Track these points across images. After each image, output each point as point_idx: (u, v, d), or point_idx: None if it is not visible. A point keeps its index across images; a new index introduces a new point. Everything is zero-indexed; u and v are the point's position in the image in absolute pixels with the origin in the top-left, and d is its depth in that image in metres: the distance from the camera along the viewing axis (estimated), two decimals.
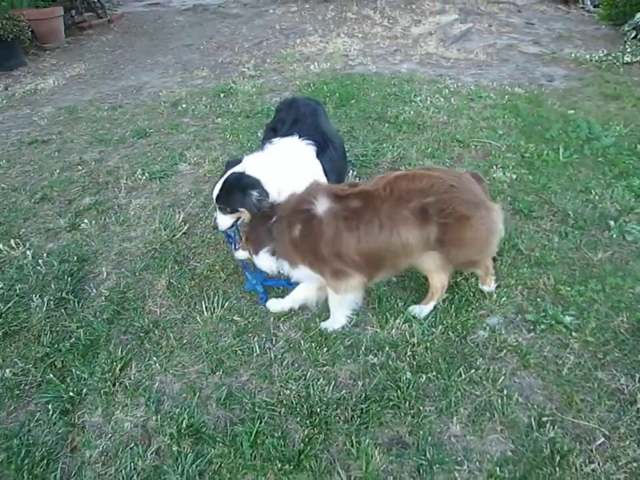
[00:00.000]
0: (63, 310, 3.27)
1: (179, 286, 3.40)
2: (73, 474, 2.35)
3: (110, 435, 2.49)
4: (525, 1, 12.36)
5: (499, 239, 2.94)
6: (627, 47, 8.04)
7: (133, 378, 2.77)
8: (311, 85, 6.84)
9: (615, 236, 3.80)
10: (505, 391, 2.61)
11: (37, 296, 3.35)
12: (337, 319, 3.01)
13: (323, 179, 3.22)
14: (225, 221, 3.15)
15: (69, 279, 3.51)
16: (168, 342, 2.98)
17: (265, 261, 2.94)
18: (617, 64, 7.73)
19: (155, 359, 2.86)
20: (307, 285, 3.04)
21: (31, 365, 2.89)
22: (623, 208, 4.12)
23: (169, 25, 11.21)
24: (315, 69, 7.58)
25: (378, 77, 7.21)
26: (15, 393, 2.75)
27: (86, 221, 4.13)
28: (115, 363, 2.83)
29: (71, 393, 2.68)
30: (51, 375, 2.80)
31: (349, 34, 9.30)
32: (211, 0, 13.36)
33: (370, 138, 5.38)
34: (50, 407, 2.62)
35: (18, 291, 3.46)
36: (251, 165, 3.06)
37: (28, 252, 3.81)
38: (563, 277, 3.41)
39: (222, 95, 6.60)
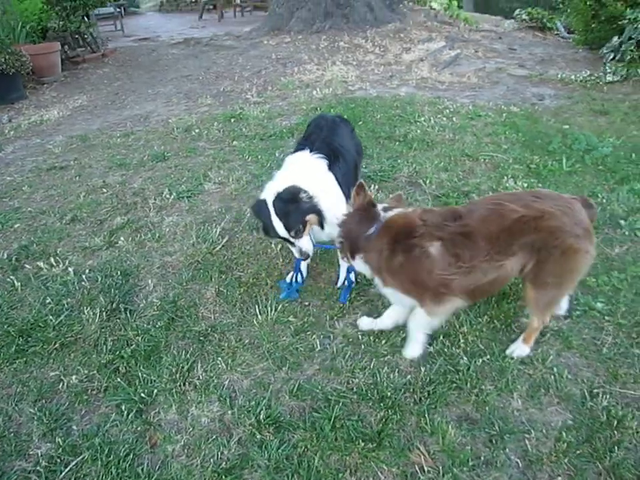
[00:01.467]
0: (117, 320, 3.37)
1: (228, 293, 3.52)
2: (157, 467, 2.44)
3: (189, 430, 2.59)
4: (504, 29, 12.97)
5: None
6: (607, 67, 8.51)
7: (201, 377, 2.87)
8: (318, 109, 7.09)
9: (627, 233, 4.04)
10: (555, 369, 2.82)
11: (88, 308, 3.44)
12: (418, 343, 2.92)
13: (335, 190, 3.34)
14: (306, 242, 3.09)
15: (117, 291, 3.61)
16: (229, 344, 3.10)
17: (361, 266, 2.87)
18: (601, 83, 8.18)
19: (219, 359, 2.98)
20: (398, 308, 3.02)
21: (95, 371, 2.98)
22: (630, 209, 4.38)
23: (164, 58, 11.48)
24: (318, 94, 7.85)
25: (380, 100, 7.51)
26: (84, 398, 2.84)
27: (122, 238, 4.24)
28: (180, 365, 2.94)
29: (142, 394, 2.77)
30: (118, 379, 2.89)
31: (344, 62, 9.65)
32: (201, 34, 13.73)
33: (384, 155, 5.61)
34: (123, 408, 2.71)
35: (66, 305, 3.55)
36: (275, 184, 3.10)
37: (69, 269, 3.90)
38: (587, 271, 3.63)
39: (232, 120, 6.81)
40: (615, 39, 8.84)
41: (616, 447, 2.37)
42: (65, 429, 2.68)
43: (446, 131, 6.29)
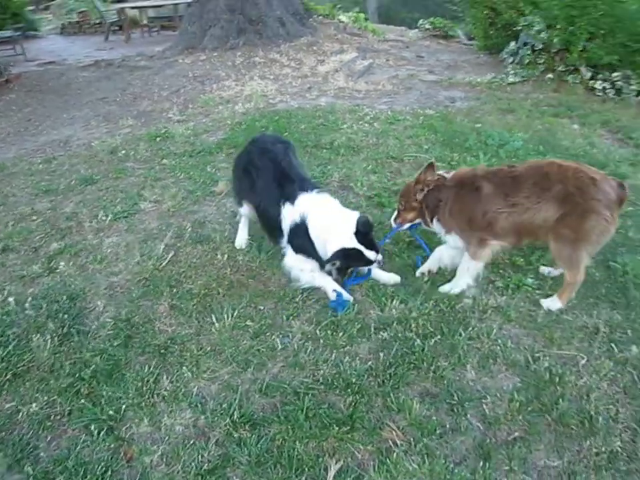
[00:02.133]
0: (70, 344, 3.31)
1: (182, 306, 3.56)
2: (138, 479, 2.46)
3: (165, 439, 2.62)
4: (409, 38, 13.65)
5: (599, 246, 3.29)
6: (508, 70, 9.23)
7: (168, 388, 2.90)
8: (242, 123, 7.21)
9: None
10: (499, 341, 3.12)
11: (37, 335, 3.35)
12: (461, 284, 3.55)
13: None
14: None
15: (65, 316, 3.54)
16: (191, 353, 3.14)
17: (437, 228, 3.61)
18: (504, 84, 8.88)
19: (184, 368, 3.02)
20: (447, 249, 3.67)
21: (55, 396, 2.93)
22: None
23: (75, 81, 11.16)
24: (240, 109, 7.97)
25: (302, 111, 7.73)
26: (47, 424, 2.78)
27: (62, 263, 4.15)
28: (145, 379, 2.95)
29: (110, 412, 2.76)
30: (82, 401, 2.86)
31: (261, 76, 9.82)
32: (110, 55, 13.47)
33: (313, 162, 5.81)
34: (92, 428, 2.69)
35: (12, 335, 3.43)
36: (341, 230, 3.44)
37: (9, 299, 3.76)
38: (515, 251, 3.99)
39: (158, 139, 6.78)
40: (513, 44, 9.60)
41: (560, 400, 2.68)
42: (32, 457, 2.61)
43: (369, 136, 6.60)
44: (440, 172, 3.65)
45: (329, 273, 3.50)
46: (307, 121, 7.18)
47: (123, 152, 6.45)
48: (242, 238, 4.25)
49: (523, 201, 3.23)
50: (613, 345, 3.08)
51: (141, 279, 3.89)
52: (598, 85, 8.29)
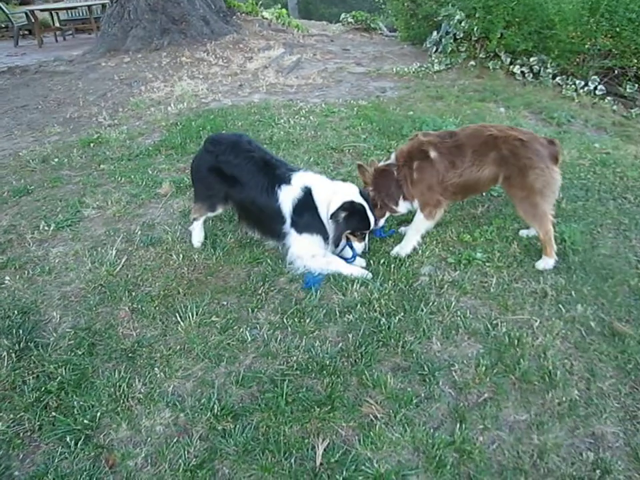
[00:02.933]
0: (30, 358, 3.20)
1: (143, 309, 3.52)
2: None
3: (147, 440, 2.61)
4: (332, 32, 13.83)
5: (553, 196, 3.66)
6: (433, 58, 9.57)
7: (142, 391, 2.87)
8: (178, 123, 7.10)
9: (483, 194, 4.70)
10: (459, 312, 3.31)
11: None
12: (411, 243, 3.90)
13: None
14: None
15: (20, 331, 3.41)
16: (160, 354, 3.12)
17: (404, 206, 3.94)
18: (431, 72, 9.21)
19: (155, 369, 3.00)
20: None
21: (22, 413, 2.83)
22: None
23: None
24: (173, 110, 7.84)
25: (236, 108, 7.71)
26: (17, 442, 2.68)
27: (7, 278, 3.98)
28: (117, 384, 2.90)
29: (85, 421, 2.71)
30: (53, 414, 2.79)
31: (190, 76, 9.67)
32: (24, 61, 12.83)
33: None
34: (67, 439, 2.63)
35: None
36: (343, 191, 3.66)
37: None
38: (461, 229, 4.23)
39: (92, 145, 6.57)
40: (435, 33, 9.95)
41: (521, 360, 2.90)
42: (5, 477, 2.53)
43: (307, 129, 6.68)
44: (380, 163, 4.02)
45: (337, 235, 3.59)
46: (243, 118, 7.18)
47: (56, 160, 6.20)
48: (200, 237, 4.20)
49: (468, 167, 3.68)
50: (560, 306, 3.35)
51: (96, 286, 3.80)
52: (517, 69, 8.77)
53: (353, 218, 3.54)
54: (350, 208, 3.50)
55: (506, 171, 3.63)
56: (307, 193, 3.61)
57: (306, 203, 3.60)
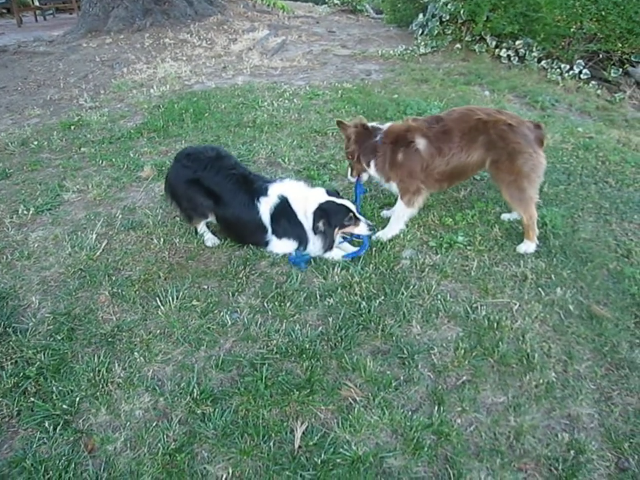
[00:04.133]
0: (8, 344, 3.16)
1: (123, 293, 3.49)
2: (103, 469, 2.43)
3: (126, 425, 2.60)
4: (319, 14, 13.67)
5: (539, 180, 3.66)
6: (419, 41, 9.51)
7: (122, 375, 2.86)
8: (160, 106, 7.01)
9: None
10: (439, 296, 3.33)
11: None
12: (393, 230, 3.93)
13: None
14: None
15: None
16: (140, 338, 3.11)
17: (374, 171, 3.90)
18: (416, 55, 9.16)
19: (135, 354, 2.99)
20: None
21: (0, 399, 2.81)
22: None
23: None
24: (156, 92, 7.73)
25: (220, 91, 7.62)
26: None
27: None
28: (96, 368, 2.89)
29: (64, 406, 2.70)
30: (32, 399, 2.77)
31: (173, 58, 9.54)
32: (3, 41, 12.55)
33: (238, 142, 5.79)
34: (46, 424, 2.62)
35: None
36: (319, 194, 3.71)
37: None
38: (443, 212, 4.25)
39: (73, 128, 6.47)
40: (421, 16, 9.88)
41: (500, 343, 2.92)
42: None
43: (291, 112, 6.63)
44: (373, 123, 3.99)
45: (328, 240, 3.63)
46: (226, 101, 7.10)
47: (36, 143, 6.10)
48: (211, 237, 4.08)
49: (456, 153, 3.66)
50: (540, 290, 3.37)
51: (76, 271, 3.76)
52: (503, 53, 8.75)
53: (330, 217, 3.58)
54: (323, 212, 3.57)
55: (494, 155, 3.62)
56: (283, 201, 3.70)
57: (282, 210, 3.70)
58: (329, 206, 3.58)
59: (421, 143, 3.69)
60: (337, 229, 3.61)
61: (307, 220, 3.66)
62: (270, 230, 3.76)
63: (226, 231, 4.01)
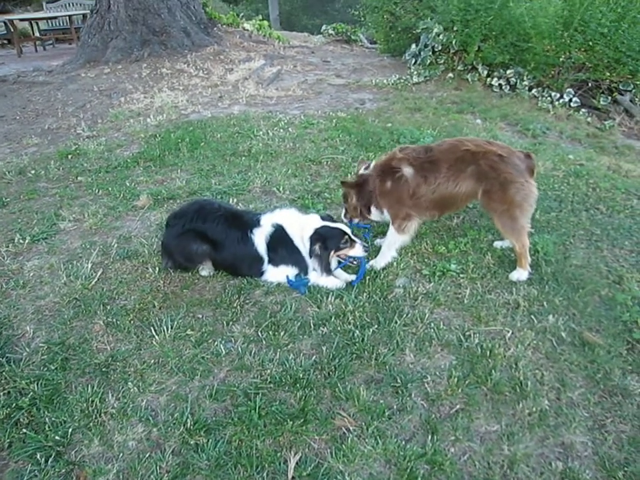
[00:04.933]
0: (1, 374, 3.15)
1: (118, 323, 3.50)
2: None
3: (119, 456, 2.59)
4: (314, 44, 13.93)
5: (530, 209, 3.73)
6: (412, 70, 9.69)
7: (115, 406, 2.86)
8: (157, 135, 7.10)
9: None
10: (432, 324, 3.35)
11: None
12: (385, 258, 3.97)
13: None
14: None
15: None
16: (134, 368, 3.11)
17: (376, 214, 4.05)
18: (409, 84, 9.32)
19: (129, 384, 2.98)
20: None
21: None
22: None
23: None
24: (152, 121, 7.83)
25: (216, 120, 7.72)
26: None
27: None
28: (90, 399, 2.88)
29: (56, 437, 2.69)
30: (24, 431, 2.75)
31: (170, 87, 9.68)
32: (2, 71, 12.72)
33: (233, 170, 5.86)
34: (38, 457, 2.60)
35: None
36: (315, 220, 3.84)
37: None
38: (436, 241, 4.29)
39: (70, 157, 6.53)
40: (414, 46, 10.09)
41: (493, 371, 2.94)
42: None
43: (286, 141, 6.72)
44: (362, 170, 4.11)
45: (324, 263, 3.72)
46: (222, 130, 7.20)
47: (33, 172, 6.16)
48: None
49: (442, 182, 3.72)
50: (532, 317, 3.40)
51: (71, 300, 3.77)
52: (494, 82, 8.92)
53: (325, 241, 3.68)
54: (318, 236, 3.68)
55: (485, 185, 3.67)
56: (278, 229, 3.79)
57: (279, 238, 3.78)
58: (324, 230, 3.68)
59: (407, 171, 3.78)
60: (332, 252, 3.70)
61: (303, 245, 3.73)
62: (266, 259, 3.80)
63: (222, 268, 4.01)
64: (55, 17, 17.41)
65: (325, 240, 3.66)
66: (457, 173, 3.69)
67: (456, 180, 3.70)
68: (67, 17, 17.05)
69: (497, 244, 4.18)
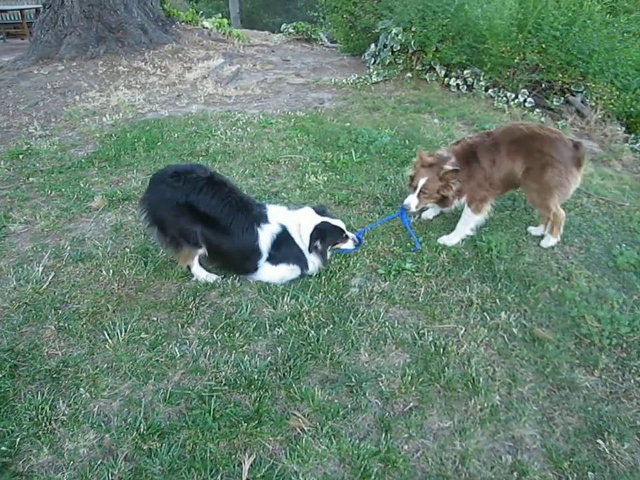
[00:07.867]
0: None
1: (70, 327, 3.42)
2: None
3: (69, 464, 2.53)
4: (274, 42, 13.88)
5: (562, 197, 4.12)
6: (371, 70, 9.75)
7: (66, 412, 2.79)
8: (112, 135, 6.95)
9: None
10: (387, 323, 3.40)
11: None
12: (459, 236, 4.28)
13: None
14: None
15: None
16: (87, 373, 3.05)
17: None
18: (368, 84, 9.38)
19: (81, 390, 2.92)
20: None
21: None
22: None
23: None
24: (108, 120, 7.67)
25: (173, 119, 7.62)
26: None
27: None
28: (40, 406, 2.81)
29: (3, 448, 2.61)
30: None
31: (127, 86, 9.48)
32: None
33: None
34: None
35: None
36: (312, 215, 3.88)
37: None
38: (392, 240, 4.33)
39: (21, 157, 6.32)
40: (373, 46, 10.16)
41: (446, 368, 3.00)
42: None
43: (244, 141, 6.69)
44: (439, 152, 4.28)
45: (324, 256, 3.83)
46: (179, 129, 7.11)
47: None
48: (211, 274, 3.97)
49: (505, 162, 4.07)
50: (485, 314, 3.48)
51: (21, 305, 3.66)
52: (452, 82, 9.06)
53: (325, 237, 3.77)
54: (320, 232, 3.76)
55: (529, 163, 4.01)
56: (284, 229, 3.81)
57: (284, 239, 3.80)
58: (324, 227, 3.78)
59: (482, 155, 4.11)
60: (330, 246, 3.84)
61: (302, 241, 3.79)
62: (265, 256, 3.77)
63: (214, 258, 3.87)
64: (6, 11, 16.84)
65: (326, 236, 3.77)
66: (512, 153, 4.03)
67: (512, 158, 4.04)
68: (19, 11, 16.54)
69: (531, 229, 4.53)
